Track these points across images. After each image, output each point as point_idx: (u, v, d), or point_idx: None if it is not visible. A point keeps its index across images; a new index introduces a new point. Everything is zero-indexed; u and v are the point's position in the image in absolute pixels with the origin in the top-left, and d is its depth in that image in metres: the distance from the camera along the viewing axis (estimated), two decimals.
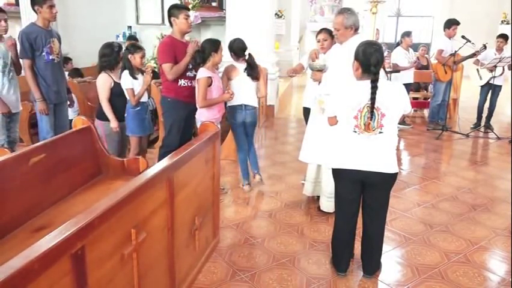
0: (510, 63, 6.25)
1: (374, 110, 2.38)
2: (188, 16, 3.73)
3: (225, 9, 8.04)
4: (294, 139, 6.08)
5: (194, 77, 3.73)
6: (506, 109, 8.04)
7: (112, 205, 1.57)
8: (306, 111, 3.96)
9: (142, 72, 4.01)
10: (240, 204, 3.80)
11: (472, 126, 6.73)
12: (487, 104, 6.70)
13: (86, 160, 2.92)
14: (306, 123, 3.80)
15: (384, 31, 13.55)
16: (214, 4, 8.84)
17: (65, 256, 1.33)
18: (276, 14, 8.69)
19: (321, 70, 3.34)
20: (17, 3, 6.83)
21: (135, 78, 3.92)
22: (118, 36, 9.15)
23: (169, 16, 3.75)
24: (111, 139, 3.60)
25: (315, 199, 3.80)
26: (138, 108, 3.94)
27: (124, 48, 3.88)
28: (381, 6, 8.36)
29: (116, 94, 3.61)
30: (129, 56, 3.93)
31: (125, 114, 3.89)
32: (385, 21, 12.90)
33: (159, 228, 2.02)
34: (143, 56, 3.98)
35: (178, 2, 8.68)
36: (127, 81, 3.87)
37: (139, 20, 9.39)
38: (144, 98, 3.99)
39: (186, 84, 3.73)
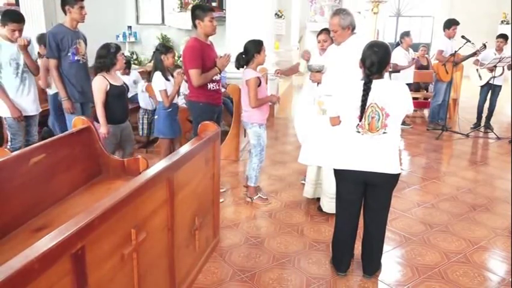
0: (510, 63, 6.25)
1: (378, 110, 2.38)
2: (213, 18, 3.54)
3: (225, 9, 8.04)
4: (294, 139, 6.06)
5: (219, 80, 3.75)
6: (506, 109, 8.04)
7: (112, 205, 1.57)
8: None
9: (171, 73, 4.00)
10: (240, 204, 3.79)
11: (472, 126, 6.73)
12: (486, 104, 6.70)
13: (86, 160, 2.91)
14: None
15: (385, 31, 13.55)
16: (214, 4, 8.85)
17: (65, 256, 1.33)
18: (276, 14, 8.68)
19: (319, 71, 3.34)
20: (17, 3, 6.83)
21: (167, 79, 3.90)
22: (118, 36, 9.14)
23: (194, 18, 3.54)
24: (109, 142, 3.57)
25: (315, 200, 3.79)
26: (170, 109, 3.92)
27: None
28: (382, 6, 8.37)
29: (114, 96, 3.50)
30: (162, 56, 3.91)
31: (155, 116, 3.86)
32: (386, 21, 12.91)
33: (159, 228, 2.02)
34: (174, 56, 3.96)
35: (178, 3, 8.69)
36: (160, 83, 3.85)
37: (139, 20, 9.39)
38: (174, 99, 3.97)
39: (215, 87, 3.69)
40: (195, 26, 3.59)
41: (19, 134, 3.82)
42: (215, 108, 3.74)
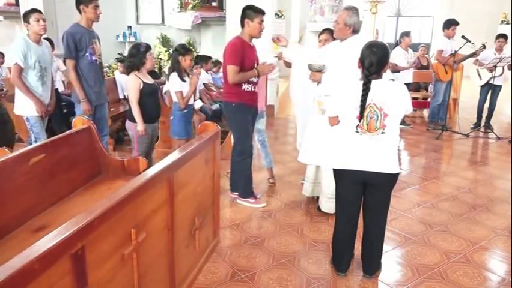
0: (510, 63, 6.25)
1: (377, 110, 2.38)
2: (262, 21, 3.51)
3: (225, 9, 8.05)
4: (294, 139, 6.06)
5: (257, 83, 3.68)
6: (506, 109, 8.04)
7: (112, 205, 1.57)
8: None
9: (188, 74, 3.99)
10: (240, 204, 3.79)
11: (472, 126, 6.73)
12: (486, 104, 6.70)
13: (86, 160, 2.91)
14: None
15: (384, 31, 13.54)
16: (214, 4, 8.86)
17: (65, 256, 1.33)
18: (276, 14, 8.69)
19: (320, 71, 3.33)
20: (17, 3, 6.84)
21: (184, 80, 3.88)
22: (118, 36, 9.16)
23: (243, 17, 3.51)
24: (142, 141, 3.56)
25: (315, 199, 3.80)
26: (186, 111, 3.89)
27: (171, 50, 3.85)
28: (381, 6, 8.35)
29: (146, 94, 3.53)
30: (179, 57, 3.88)
31: (171, 117, 3.84)
32: (385, 21, 12.89)
33: (159, 228, 2.02)
34: (192, 59, 3.93)
35: (178, 3, 8.69)
36: (176, 84, 3.82)
37: (139, 20, 9.40)
38: (190, 101, 3.95)
39: (250, 88, 3.59)
40: (242, 25, 3.54)
41: (43, 132, 3.81)
42: (249, 108, 3.63)
